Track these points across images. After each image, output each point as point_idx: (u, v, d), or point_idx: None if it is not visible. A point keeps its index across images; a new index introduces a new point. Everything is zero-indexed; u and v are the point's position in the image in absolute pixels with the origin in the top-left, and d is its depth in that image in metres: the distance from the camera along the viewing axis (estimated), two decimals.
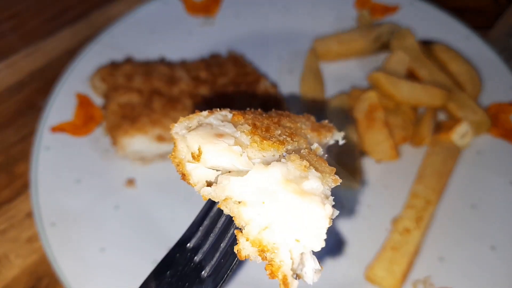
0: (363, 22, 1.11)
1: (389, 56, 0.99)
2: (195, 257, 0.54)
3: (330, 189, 0.45)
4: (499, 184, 0.90)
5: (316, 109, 1.00)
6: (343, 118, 0.93)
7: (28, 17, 1.25)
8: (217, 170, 0.50)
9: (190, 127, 0.50)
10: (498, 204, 0.87)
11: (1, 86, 1.10)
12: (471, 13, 1.22)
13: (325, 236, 0.42)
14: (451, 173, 0.88)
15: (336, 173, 0.47)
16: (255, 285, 0.80)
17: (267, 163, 0.45)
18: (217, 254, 0.52)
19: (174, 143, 0.51)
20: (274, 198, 0.43)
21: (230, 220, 0.53)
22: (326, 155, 0.54)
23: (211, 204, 0.56)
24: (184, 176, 0.52)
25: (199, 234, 0.55)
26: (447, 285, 0.79)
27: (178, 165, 0.51)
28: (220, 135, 0.48)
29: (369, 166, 0.93)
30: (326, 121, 0.65)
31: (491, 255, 0.82)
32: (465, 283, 0.79)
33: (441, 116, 0.99)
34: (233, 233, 0.51)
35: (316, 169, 0.45)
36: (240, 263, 0.72)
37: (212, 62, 1.02)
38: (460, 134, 0.90)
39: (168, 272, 0.54)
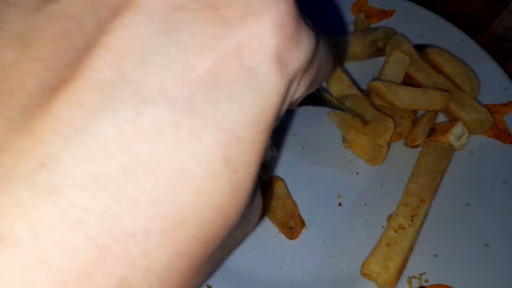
0: (360, 26, 1.12)
1: (388, 57, 1.00)
2: None
3: None
4: (492, 183, 0.91)
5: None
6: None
7: None
8: None
9: None
10: (492, 203, 0.89)
11: None
12: (465, 17, 1.23)
13: None
14: (444, 172, 0.90)
15: None
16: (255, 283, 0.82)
17: None
18: None
19: None
20: None
21: None
22: None
23: None
24: None
25: None
26: (441, 281, 0.81)
27: None
28: None
29: (365, 167, 0.96)
30: None
31: (485, 252, 0.83)
32: (459, 279, 0.80)
33: (441, 118, 0.99)
34: None
35: None
36: None
37: None
38: (456, 135, 0.91)
39: None
